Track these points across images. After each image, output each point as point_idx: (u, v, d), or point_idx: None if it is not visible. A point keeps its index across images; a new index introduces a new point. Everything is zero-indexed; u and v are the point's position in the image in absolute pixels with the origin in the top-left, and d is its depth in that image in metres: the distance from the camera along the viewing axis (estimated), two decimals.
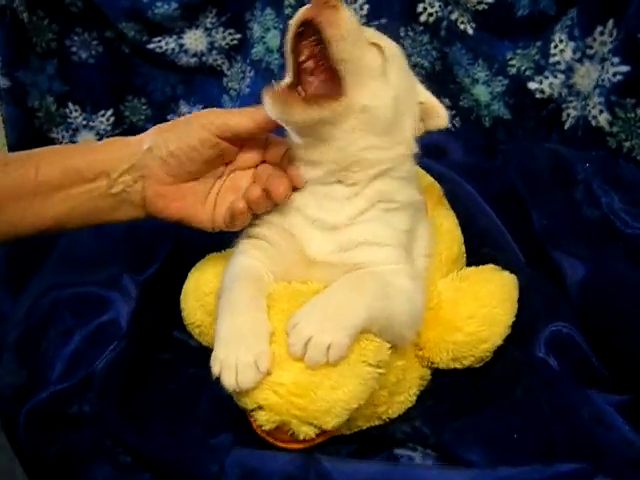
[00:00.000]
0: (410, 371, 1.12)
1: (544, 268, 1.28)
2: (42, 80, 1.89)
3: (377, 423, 1.11)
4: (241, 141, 1.04)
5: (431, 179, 1.31)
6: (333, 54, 0.92)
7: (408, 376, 1.12)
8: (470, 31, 1.61)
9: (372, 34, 1.01)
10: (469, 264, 1.27)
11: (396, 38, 1.64)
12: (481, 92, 1.63)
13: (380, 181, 1.02)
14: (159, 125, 1.05)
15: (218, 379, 0.92)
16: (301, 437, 0.93)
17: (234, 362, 0.90)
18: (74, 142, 1.97)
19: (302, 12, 0.93)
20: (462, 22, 1.61)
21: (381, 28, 1.64)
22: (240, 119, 1.00)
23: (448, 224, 1.24)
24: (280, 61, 1.76)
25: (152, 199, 1.04)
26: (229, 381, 0.90)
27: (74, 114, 1.95)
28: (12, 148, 1.90)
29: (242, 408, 0.94)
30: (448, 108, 1.67)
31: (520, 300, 1.17)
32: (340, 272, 1.00)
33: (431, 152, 1.57)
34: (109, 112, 1.97)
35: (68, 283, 1.26)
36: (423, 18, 1.66)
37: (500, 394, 1.09)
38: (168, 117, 2.01)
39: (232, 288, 1.00)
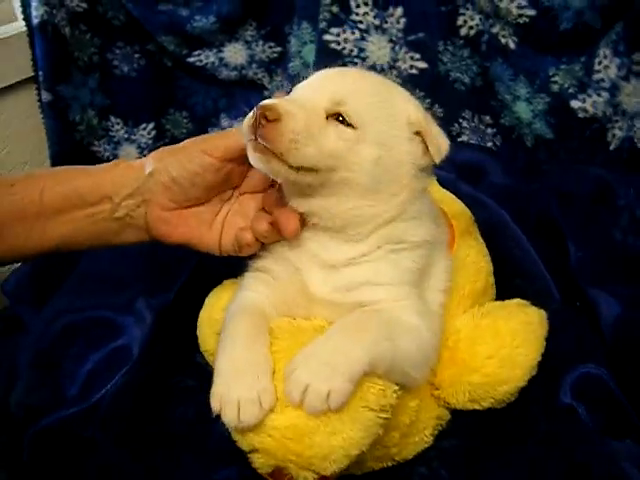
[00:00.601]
0: (425, 411, 1.06)
1: (579, 304, 1.19)
2: (84, 94, 1.89)
3: (390, 464, 1.06)
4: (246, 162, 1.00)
5: (461, 206, 1.24)
6: (287, 162, 0.88)
7: (423, 417, 1.06)
8: (512, 45, 1.53)
9: (332, 102, 0.91)
10: (500, 296, 1.20)
11: (434, 53, 1.62)
12: (522, 110, 1.55)
13: (385, 228, 0.97)
14: (163, 148, 1.02)
15: (218, 415, 0.88)
16: None
17: (236, 398, 0.86)
18: (116, 155, 1.98)
19: (247, 127, 0.88)
20: (503, 36, 1.53)
21: (419, 43, 1.62)
22: (240, 138, 0.95)
23: (474, 255, 1.16)
24: None
25: (155, 224, 1.01)
26: (231, 418, 0.86)
27: (116, 127, 1.96)
28: (54, 161, 1.92)
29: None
30: (489, 126, 1.63)
31: (549, 338, 1.08)
32: (343, 310, 0.95)
33: (469, 174, 1.51)
34: (150, 125, 1.96)
35: (83, 307, 1.26)
36: (463, 32, 1.59)
37: (518, 441, 1.02)
38: (209, 130, 1.99)
39: (234, 321, 0.97)
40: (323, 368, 0.85)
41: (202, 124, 1.99)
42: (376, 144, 0.92)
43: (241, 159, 0.98)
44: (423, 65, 1.63)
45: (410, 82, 1.63)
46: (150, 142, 1.97)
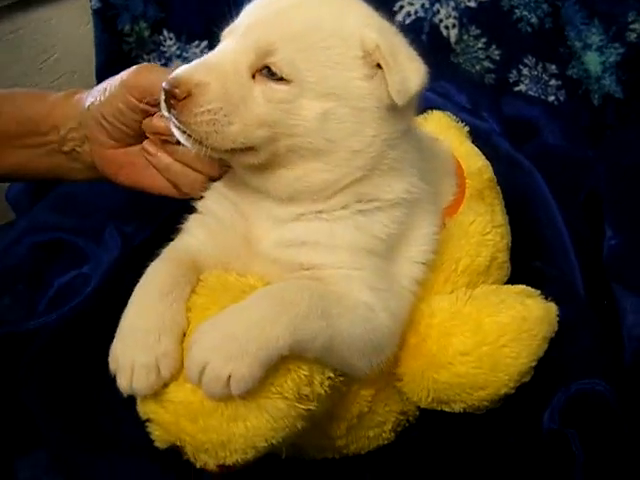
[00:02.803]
0: (384, 404, 0.90)
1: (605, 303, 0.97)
2: (136, 3, 1.76)
3: (337, 456, 0.92)
4: None
5: (480, 164, 1.03)
6: (211, 147, 0.73)
7: (381, 410, 0.90)
8: None
9: (258, 53, 0.72)
10: (512, 279, 0.99)
11: None
12: (592, 60, 1.30)
13: (354, 186, 0.79)
14: (111, 78, 0.89)
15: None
16: (198, 465, 0.75)
17: (130, 361, 0.73)
18: None
19: (162, 101, 0.73)
20: None
21: None
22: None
23: (481, 223, 0.95)
24: None
25: (100, 163, 0.91)
26: (123, 384, 0.73)
27: (168, 42, 1.84)
28: (99, 71, 1.82)
29: None
30: (553, 76, 1.39)
31: (555, 341, 0.88)
32: (283, 270, 0.79)
33: (517, 129, 1.29)
34: (204, 43, 1.82)
35: (53, 226, 1.17)
36: None
37: (479, 459, 0.84)
38: None
39: (154, 268, 0.82)
40: (229, 344, 0.69)
41: None
42: (321, 96, 0.73)
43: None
44: None
45: (466, 16, 1.41)
46: None
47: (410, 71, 0.73)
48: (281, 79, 0.72)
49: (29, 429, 0.96)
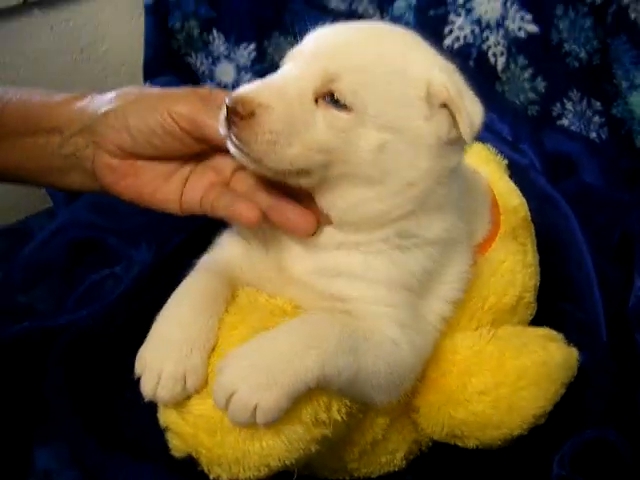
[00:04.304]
0: (398, 432, 0.91)
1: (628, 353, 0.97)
2: (188, 2, 1.80)
3: (348, 477, 0.93)
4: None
5: (516, 202, 1.03)
6: (267, 167, 0.73)
7: (394, 438, 0.91)
8: None
9: (323, 79, 0.72)
10: (537, 320, 1.00)
11: (550, 16, 1.36)
12: (637, 102, 1.29)
13: (401, 220, 0.79)
14: (130, 89, 0.86)
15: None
16: (211, 477, 0.77)
17: (158, 368, 0.75)
18: (212, 71, 1.90)
19: (222, 119, 0.73)
20: (635, 10, 1.26)
21: (535, 1, 1.37)
22: (217, 127, 0.76)
23: (512, 262, 0.95)
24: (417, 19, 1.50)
25: (101, 171, 0.85)
26: (147, 389, 0.75)
27: (217, 42, 1.87)
28: (147, 65, 1.86)
29: None
30: (597, 113, 1.38)
31: (572, 387, 0.88)
32: (314, 297, 0.81)
33: (556, 165, 1.28)
34: (252, 46, 1.85)
35: (91, 225, 1.19)
36: None
37: None
38: None
39: (193, 277, 0.84)
40: (258, 374, 0.70)
41: None
42: (380, 128, 0.73)
43: (207, 143, 0.81)
44: (534, 28, 1.39)
45: (515, 46, 1.40)
46: (249, 64, 1.87)
47: (473, 113, 0.74)
48: (343, 107, 0.72)
49: (50, 419, 0.99)
